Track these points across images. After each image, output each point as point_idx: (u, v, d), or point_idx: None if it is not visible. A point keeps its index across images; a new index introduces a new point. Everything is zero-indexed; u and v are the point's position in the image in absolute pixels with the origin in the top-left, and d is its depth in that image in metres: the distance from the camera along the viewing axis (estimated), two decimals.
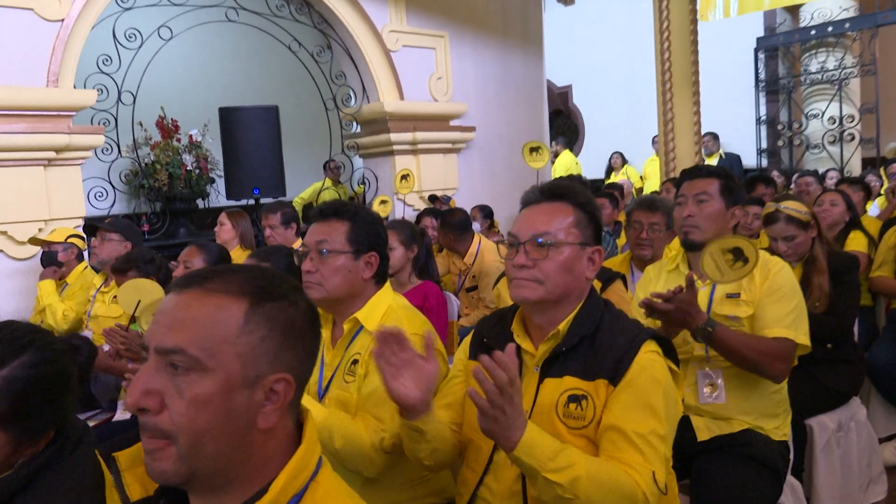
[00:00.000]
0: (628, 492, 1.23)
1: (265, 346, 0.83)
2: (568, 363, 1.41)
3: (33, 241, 3.79)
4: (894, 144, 8.02)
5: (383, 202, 5.03)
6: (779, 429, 2.01)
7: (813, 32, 8.32)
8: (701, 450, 1.95)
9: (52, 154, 3.95)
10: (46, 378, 1.17)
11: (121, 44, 4.54)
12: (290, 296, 0.88)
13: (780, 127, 8.97)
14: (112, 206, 4.58)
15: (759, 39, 8.98)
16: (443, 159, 6.12)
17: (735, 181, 2.10)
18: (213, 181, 6.69)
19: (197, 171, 6.48)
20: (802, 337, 1.92)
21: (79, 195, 4.14)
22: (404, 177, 5.31)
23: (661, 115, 4.83)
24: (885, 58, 8.10)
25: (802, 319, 1.95)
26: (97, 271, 3.57)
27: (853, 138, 8.18)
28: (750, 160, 9.00)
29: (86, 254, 3.86)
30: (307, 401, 1.65)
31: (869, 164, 8.07)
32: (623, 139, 9.95)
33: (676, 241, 2.87)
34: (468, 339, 1.64)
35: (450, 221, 4.14)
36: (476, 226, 4.73)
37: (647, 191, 8.62)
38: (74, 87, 4.15)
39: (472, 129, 6.25)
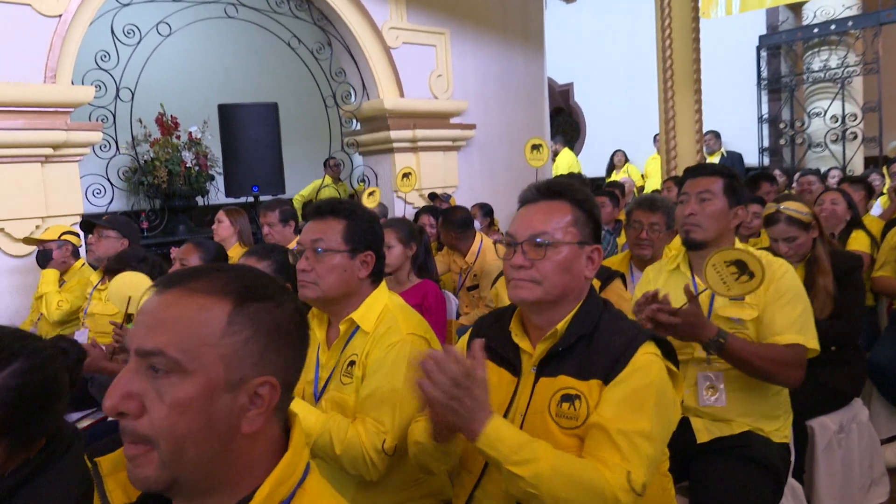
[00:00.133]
0: (596, 489, 1.20)
1: (249, 348, 0.81)
2: (564, 363, 1.39)
3: (27, 240, 3.77)
4: None
5: (371, 194, 4.97)
6: (779, 431, 1.98)
7: (816, 30, 8.29)
8: (700, 451, 1.93)
9: (49, 150, 3.94)
10: (38, 385, 1.16)
11: (119, 40, 4.52)
12: (275, 296, 0.85)
13: (782, 125, 8.93)
14: (110, 202, 4.57)
15: (761, 37, 8.94)
16: (443, 157, 6.09)
17: (739, 180, 2.07)
18: (212, 178, 6.69)
19: (196, 168, 6.48)
20: (812, 341, 1.90)
21: (76, 192, 4.12)
22: (406, 175, 5.28)
23: (662, 114, 4.80)
24: (888, 56, 8.05)
25: (810, 322, 1.93)
26: (95, 268, 3.56)
27: (856, 137, 8.15)
28: (752, 159, 8.97)
29: (83, 251, 3.85)
30: (305, 406, 1.63)
31: (871, 162, 8.05)
32: (624, 137, 9.91)
33: (677, 241, 2.85)
34: (465, 338, 1.62)
35: (452, 219, 4.11)
36: (476, 224, 4.70)
37: (648, 189, 8.58)
38: (72, 83, 4.13)
39: (472, 126, 6.23)
